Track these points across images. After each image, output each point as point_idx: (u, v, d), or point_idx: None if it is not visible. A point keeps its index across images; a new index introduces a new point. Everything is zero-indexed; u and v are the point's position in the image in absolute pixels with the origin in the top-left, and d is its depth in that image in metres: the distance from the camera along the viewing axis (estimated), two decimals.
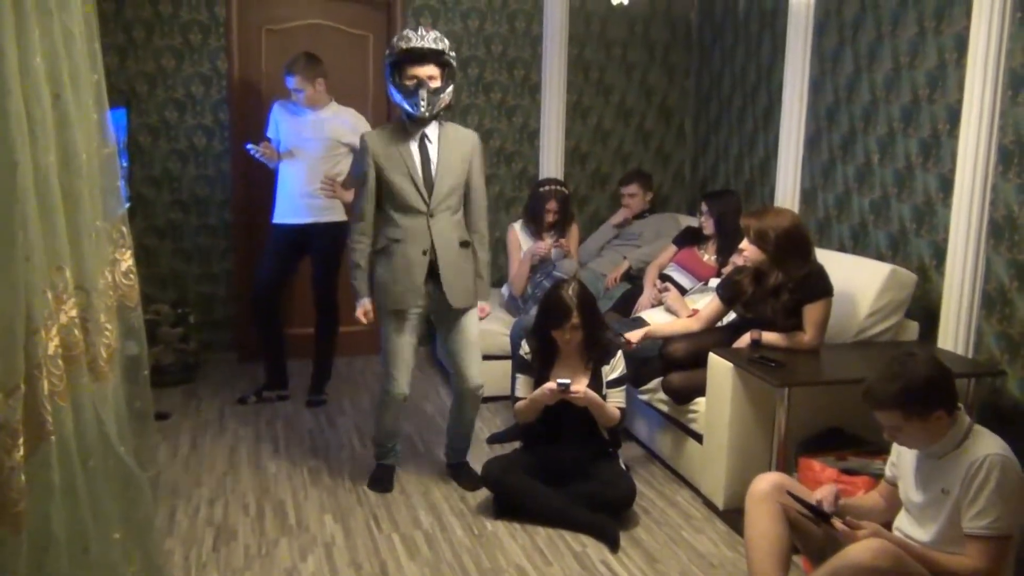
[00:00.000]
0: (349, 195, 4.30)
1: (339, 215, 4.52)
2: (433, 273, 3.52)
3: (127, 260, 2.50)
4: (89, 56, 2.27)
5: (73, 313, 2.14)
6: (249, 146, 4.47)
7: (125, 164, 4.39)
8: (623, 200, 5.22)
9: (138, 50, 4.97)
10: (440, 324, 3.69)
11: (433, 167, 3.50)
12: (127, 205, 3.39)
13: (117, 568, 2.28)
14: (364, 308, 3.61)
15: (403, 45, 3.39)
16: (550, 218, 4.85)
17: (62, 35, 2.11)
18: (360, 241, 3.57)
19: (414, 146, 3.50)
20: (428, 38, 3.40)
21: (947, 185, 3.64)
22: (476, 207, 3.64)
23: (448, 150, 3.52)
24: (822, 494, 2.59)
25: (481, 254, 3.67)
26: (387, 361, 3.58)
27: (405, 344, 3.56)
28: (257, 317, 4.74)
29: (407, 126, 3.51)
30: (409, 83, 3.41)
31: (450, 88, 3.47)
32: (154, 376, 3.46)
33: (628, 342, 3.72)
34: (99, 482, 2.24)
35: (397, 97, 3.46)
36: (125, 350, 2.50)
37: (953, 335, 3.57)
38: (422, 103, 3.40)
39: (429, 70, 3.41)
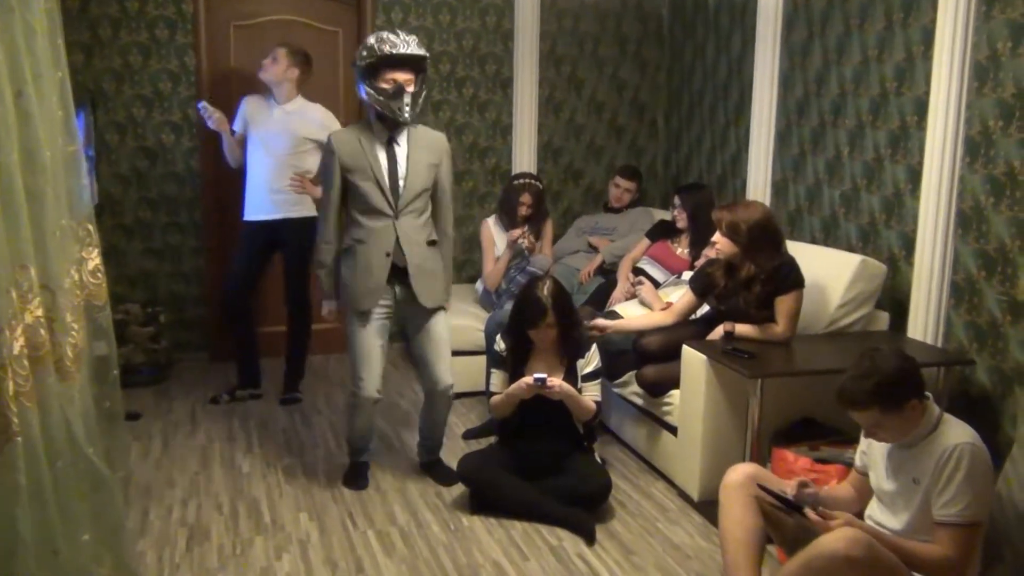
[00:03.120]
0: (318, 190, 4.27)
1: (309, 210, 4.49)
2: (400, 274, 3.50)
3: (94, 259, 2.47)
4: (52, 53, 2.24)
5: (39, 312, 2.11)
6: (202, 105, 4.40)
7: (91, 154, 4.32)
8: (614, 190, 5.22)
9: (104, 47, 4.91)
10: (409, 325, 3.67)
11: (401, 172, 3.47)
12: (94, 203, 3.35)
13: (87, 570, 2.25)
14: (329, 308, 3.67)
15: (386, 49, 3.35)
16: (523, 211, 4.84)
17: (23, 31, 2.08)
18: (327, 242, 3.56)
19: (381, 150, 3.47)
20: (411, 43, 3.38)
21: (915, 177, 3.68)
22: (443, 209, 3.63)
23: (416, 154, 3.50)
24: (789, 485, 2.61)
25: (445, 253, 3.66)
26: (354, 363, 3.56)
27: (372, 345, 3.53)
28: (229, 315, 4.70)
29: (375, 128, 3.49)
30: (386, 86, 3.38)
31: (423, 93, 3.47)
32: (124, 376, 3.43)
33: (597, 327, 3.73)
34: (68, 483, 2.21)
35: (372, 99, 3.41)
36: (94, 350, 2.47)
37: (923, 325, 3.61)
38: (406, 108, 3.38)
39: (408, 75, 3.39)
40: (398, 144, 3.49)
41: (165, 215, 5.16)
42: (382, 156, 3.46)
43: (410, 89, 3.39)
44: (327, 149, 3.53)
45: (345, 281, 3.52)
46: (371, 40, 3.42)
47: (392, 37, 3.38)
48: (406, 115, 3.39)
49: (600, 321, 3.81)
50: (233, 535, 3.28)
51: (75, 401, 2.30)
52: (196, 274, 5.25)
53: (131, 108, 5.01)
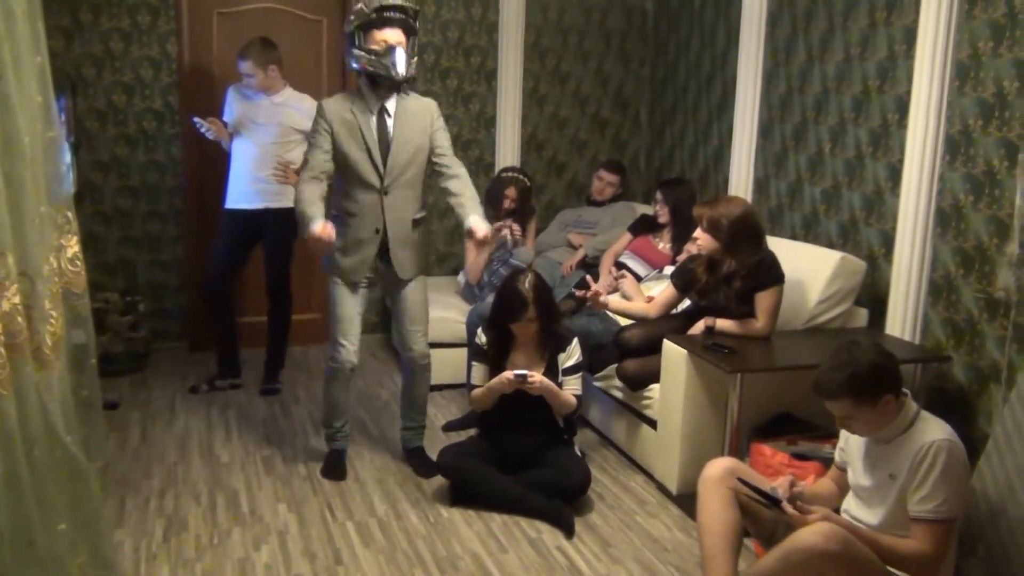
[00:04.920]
0: None
1: (292, 201, 4.43)
2: (383, 247, 3.52)
3: (73, 246, 2.45)
4: (32, 37, 2.22)
5: (16, 300, 2.09)
6: (196, 120, 4.40)
7: (70, 140, 4.29)
8: (597, 183, 5.23)
9: (84, 32, 4.86)
10: (389, 295, 3.72)
11: (390, 142, 3.45)
12: (73, 190, 3.32)
13: (63, 560, 2.24)
14: (322, 224, 3.29)
15: (377, 2, 3.31)
16: (507, 204, 4.84)
17: (3, 14, 2.06)
18: (305, 183, 3.39)
19: (372, 120, 3.44)
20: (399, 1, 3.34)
21: (896, 175, 3.71)
22: (453, 166, 3.53)
23: (407, 124, 3.48)
24: (778, 483, 2.63)
25: (469, 191, 3.50)
26: (335, 329, 3.57)
27: (353, 313, 3.56)
28: (209, 305, 4.68)
29: (366, 96, 3.45)
30: (378, 47, 3.34)
31: (415, 59, 3.44)
32: (103, 365, 3.41)
33: (593, 292, 3.66)
34: (44, 473, 2.20)
35: (365, 61, 3.34)
36: (72, 338, 2.45)
37: (901, 322, 3.64)
38: (399, 63, 3.32)
39: (398, 35, 3.35)
40: (388, 115, 3.46)
41: (145, 203, 5.12)
42: (373, 127, 3.44)
43: (402, 48, 3.37)
44: (318, 115, 3.46)
45: (334, 253, 3.50)
46: (359, 4, 3.38)
47: None
48: (400, 70, 3.34)
49: (598, 292, 3.73)
50: (211, 526, 3.27)
51: (53, 389, 2.28)
52: (176, 263, 5.22)
53: (112, 95, 4.96)
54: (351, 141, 3.42)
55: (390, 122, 3.46)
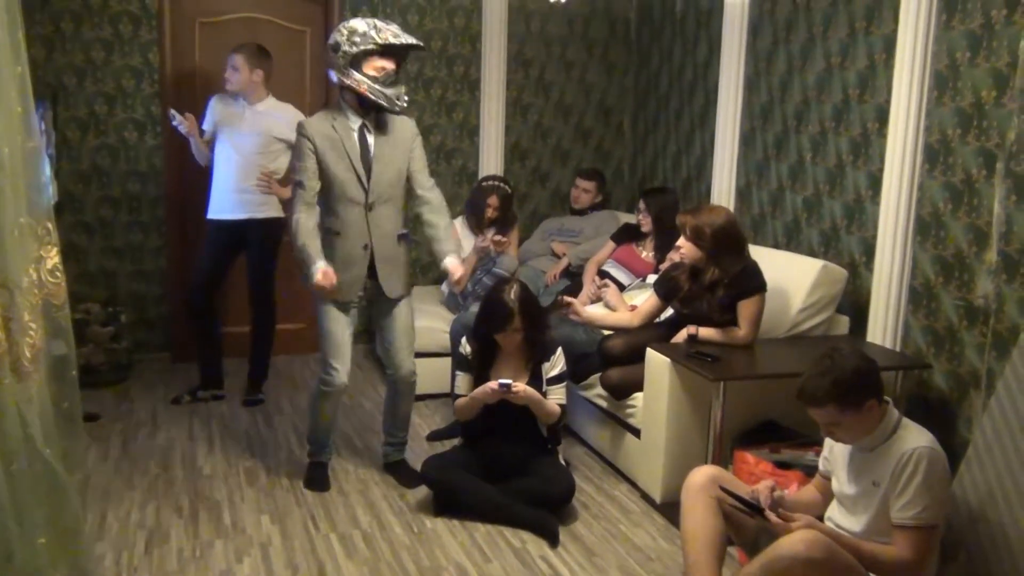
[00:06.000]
0: (286, 191, 4.24)
1: (275, 211, 4.46)
2: (370, 265, 3.50)
3: (53, 257, 2.43)
4: (12, 46, 2.20)
5: None
6: (172, 112, 4.39)
7: (51, 152, 4.26)
8: (573, 191, 5.26)
9: (66, 42, 4.84)
10: (375, 313, 3.69)
11: (373, 158, 3.45)
12: (54, 201, 3.30)
13: (43, 574, 2.21)
14: (323, 269, 3.35)
15: (389, 38, 3.31)
16: (490, 213, 4.84)
17: None
18: (303, 213, 3.39)
19: (355, 136, 3.44)
20: (409, 37, 3.36)
21: (876, 183, 3.74)
22: (428, 186, 3.57)
23: (388, 142, 3.48)
24: (759, 487, 2.63)
25: (440, 221, 3.57)
26: (326, 351, 3.53)
27: (345, 335, 3.53)
28: (192, 315, 4.65)
29: (349, 115, 3.45)
30: (377, 73, 3.34)
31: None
32: (84, 376, 3.38)
33: (573, 310, 3.76)
34: (24, 486, 2.17)
35: (364, 88, 3.32)
36: (52, 350, 2.43)
37: (882, 329, 3.66)
38: (404, 98, 3.37)
39: (394, 64, 3.36)
40: (370, 131, 3.46)
41: (127, 213, 5.09)
42: (355, 144, 3.44)
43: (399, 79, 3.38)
44: (300, 135, 3.45)
45: (337, 293, 3.48)
46: (360, 27, 3.32)
47: (381, 24, 3.34)
48: (403, 103, 3.38)
49: (577, 307, 3.82)
50: (193, 538, 3.24)
51: (33, 401, 2.26)
52: (158, 273, 5.19)
53: (93, 105, 4.94)
54: (335, 158, 3.42)
55: (371, 139, 3.46)
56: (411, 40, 3.37)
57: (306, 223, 3.41)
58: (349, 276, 3.47)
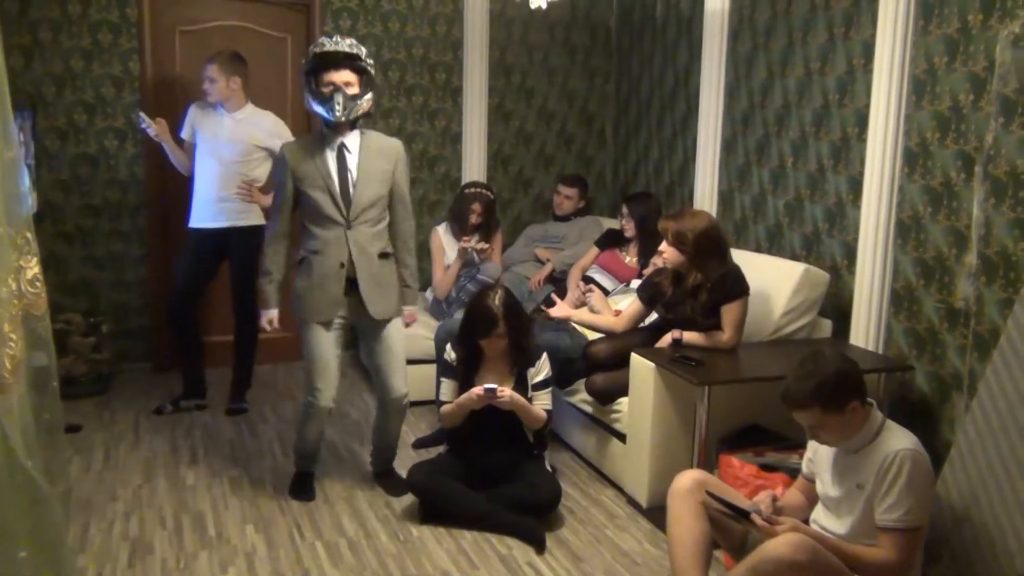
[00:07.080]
0: (267, 199, 4.23)
1: (257, 219, 4.44)
2: (354, 284, 3.47)
3: (33, 267, 2.41)
4: None
5: None
6: (141, 115, 4.38)
7: (30, 162, 4.24)
8: (555, 197, 5.27)
9: (44, 51, 4.81)
10: (363, 335, 3.65)
11: (352, 178, 3.43)
12: (34, 211, 3.27)
13: None
14: (269, 317, 3.59)
15: (316, 50, 3.35)
16: (473, 219, 4.84)
17: None
18: (276, 252, 3.52)
19: (331, 157, 3.43)
20: (343, 44, 3.36)
21: (857, 187, 3.76)
22: (401, 217, 3.58)
23: (369, 160, 3.46)
24: (759, 499, 2.64)
25: (409, 260, 3.63)
26: (310, 373, 3.51)
27: (329, 355, 3.50)
28: (174, 324, 4.61)
29: (326, 136, 3.45)
30: (325, 90, 3.35)
31: (369, 95, 3.42)
32: (65, 387, 3.35)
33: (546, 313, 3.81)
34: (4, 499, 2.15)
35: (314, 105, 3.39)
36: (33, 361, 2.41)
37: (864, 332, 3.69)
38: (337, 107, 3.33)
39: (345, 76, 3.35)
40: (349, 151, 3.45)
41: (107, 223, 5.06)
42: (332, 164, 3.43)
43: (351, 91, 3.36)
44: (278, 159, 3.50)
45: (301, 293, 3.47)
46: (310, 47, 3.42)
47: (324, 39, 3.37)
48: (337, 114, 3.34)
49: (557, 310, 3.87)
50: (177, 549, 3.22)
51: (14, 413, 2.23)
52: (139, 283, 5.15)
53: (73, 114, 4.91)
54: (312, 182, 3.41)
55: (350, 158, 3.44)
56: (337, 48, 3.34)
57: (273, 256, 3.52)
58: (324, 295, 3.44)
